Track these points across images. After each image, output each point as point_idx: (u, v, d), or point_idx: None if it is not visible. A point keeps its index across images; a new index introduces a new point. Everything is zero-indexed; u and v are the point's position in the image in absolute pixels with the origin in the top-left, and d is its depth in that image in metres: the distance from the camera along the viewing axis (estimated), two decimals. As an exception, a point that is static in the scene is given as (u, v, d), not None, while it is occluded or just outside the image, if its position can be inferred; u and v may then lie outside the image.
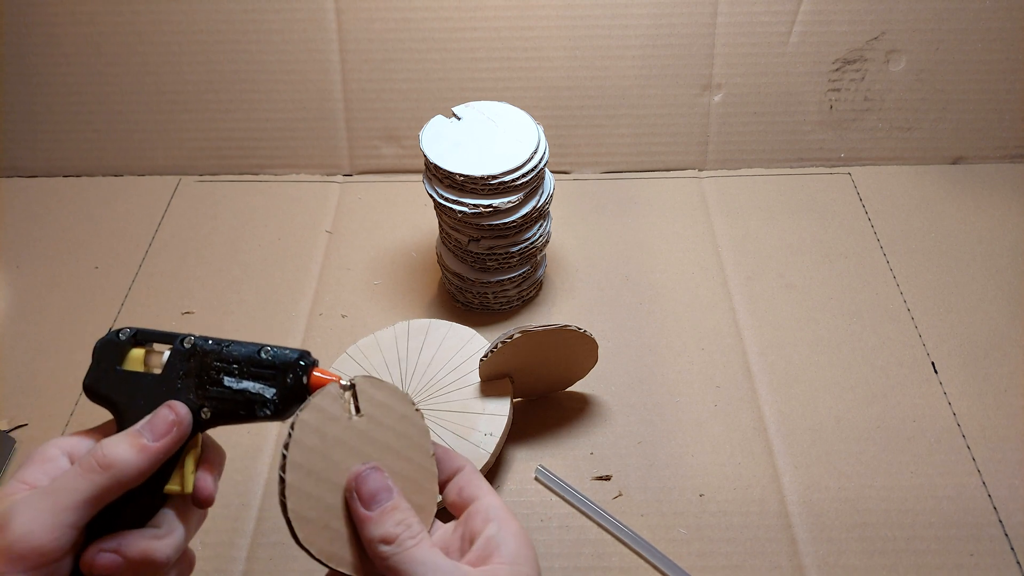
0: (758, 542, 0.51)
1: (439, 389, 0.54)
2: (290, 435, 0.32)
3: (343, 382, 0.34)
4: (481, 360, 0.51)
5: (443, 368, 0.56)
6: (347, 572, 0.33)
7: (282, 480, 0.32)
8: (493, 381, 0.54)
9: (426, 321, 0.59)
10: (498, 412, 0.52)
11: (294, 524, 0.32)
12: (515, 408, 0.54)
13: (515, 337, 0.49)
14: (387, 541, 0.31)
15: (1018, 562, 0.50)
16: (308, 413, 0.33)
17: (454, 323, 0.58)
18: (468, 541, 0.34)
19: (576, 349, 0.53)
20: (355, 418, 0.34)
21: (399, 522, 0.32)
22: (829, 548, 0.50)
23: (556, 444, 0.56)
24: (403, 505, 0.33)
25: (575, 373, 0.57)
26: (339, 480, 0.33)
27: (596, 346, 0.54)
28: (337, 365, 0.58)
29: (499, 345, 0.50)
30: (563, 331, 0.50)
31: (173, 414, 0.33)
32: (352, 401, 0.34)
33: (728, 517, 0.52)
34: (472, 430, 0.51)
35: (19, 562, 0.28)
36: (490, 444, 0.51)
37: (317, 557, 0.32)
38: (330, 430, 0.33)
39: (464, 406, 0.53)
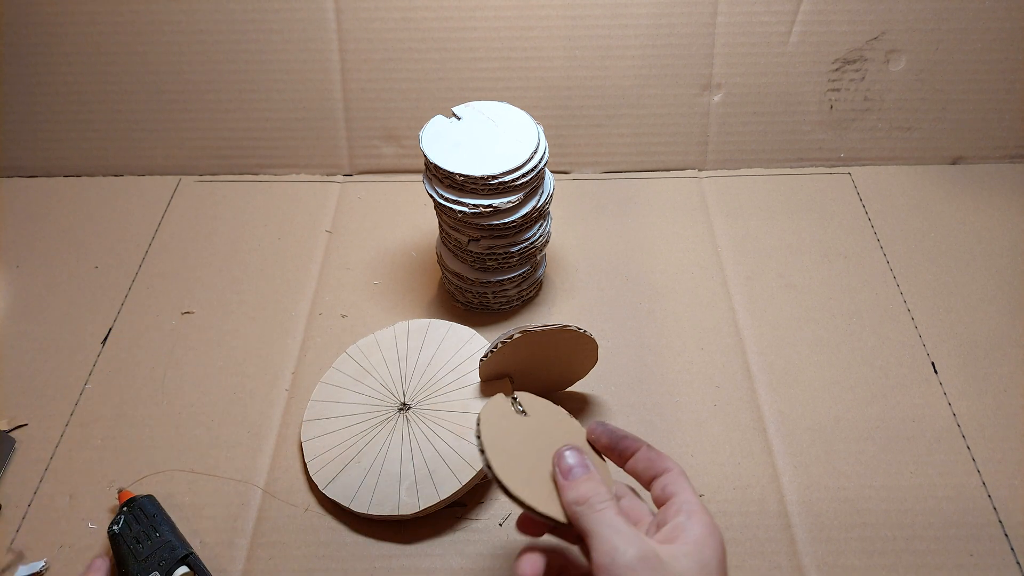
0: (758, 542, 0.51)
1: (439, 389, 0.54)
2: (478, 424, 0.39)
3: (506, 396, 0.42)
4: (481, 360, 0.52)
5: (443, 368, 0.56)
6: (554, 516, 0.38)
7: (482, 452, 0.38)
8: (493, 381, 0.54)
9: (426, 321, 0.59)
10: None
11: (504, 482, 0.37)
12: (515, 408, 0.54)
13: (515, 337, 0.49)
14: (579, 502, 0.37)
15: (1018, 562, 0.50)
16: (487, 410, 0.40)
17: (454, 323, 0.58)
18: (656, 527, 0.38)
19: (576, 349, 0.53)
20: (524, 417, 0.41)
21: (590, 489, 0.37)
22: (829, 548, 0.50)
23: (556, 444, 0.56)
24: (596, 477, 0.38)
25: (575, 373, 0.57)
26: (528, 454, 0.39)
27: (596, 346, 0.54)
28: (337, 365, 0.58)
29: (499, 345, 0.50)
30: (563, 331, 0.50)
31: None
32: (518, 406, 0.42)
33: (728, 517, 0.52)
34: (471, 430, 0.51)
35: None
36: None
37: (527, 503, 0.37)
38: (507, 423, 0.40)
39: (464, 406, 0.53)
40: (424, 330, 0.58)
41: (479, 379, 0.54)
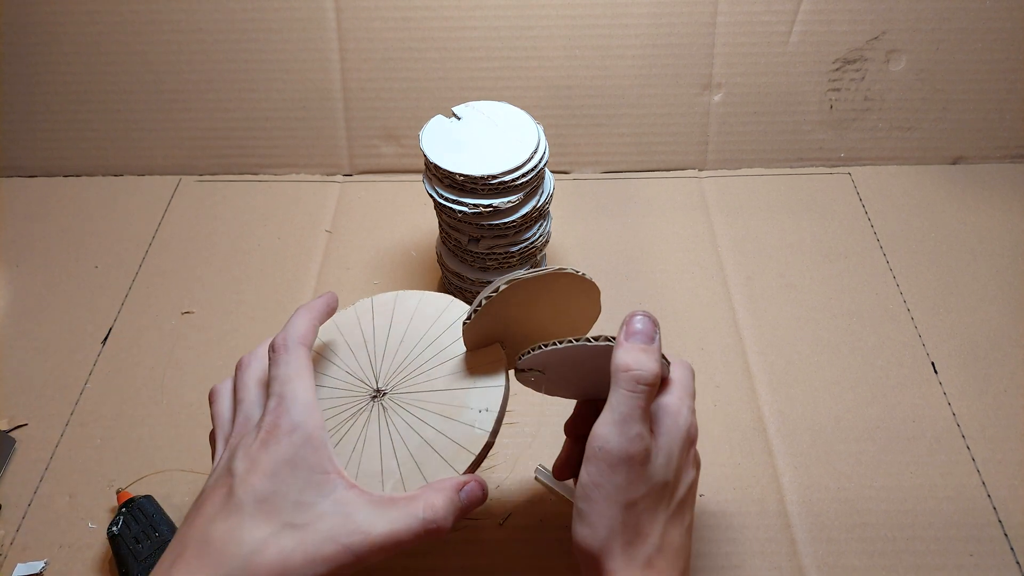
0: (758, 542, 0.51)
1: (417, 368, 0.46)
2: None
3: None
4: (464, 323, 0.43)
5: (419, 343, 0.47)
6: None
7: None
8: (481, 349, 0.45)
9: (392, 294, 0.50)
10: (492, 383, 0.44)
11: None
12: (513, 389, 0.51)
13: (502, 289, 0.41)
14: (621, 369, 0.37)
15: (1018, 563, 0.50)
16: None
17: (426, 292, 0.50)
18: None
19: (574, 299, 0.46)
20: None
21: (637, 362, 0.37)
22: (829, 548, 0.50)
23: (556, 444, 0.56)
24: (652, 351, 0.37)
25: (576, 328, 0.49)
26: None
27: (598, 292, 0.46)
28: None
29: (483, 302, 0.42)
30: (558, 276, 0.42)
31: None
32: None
33: (728, 517, 0.52)
34: (463, 408, 0.43)
35: None
36: (487, 421, 0.42)
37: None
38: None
39: (450, 382, 0.45)
40: (391, 304, 0.49)
41: (464, 349, 0.45)
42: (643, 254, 0.70)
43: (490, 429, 0.42)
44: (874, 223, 0.72)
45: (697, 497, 0.52)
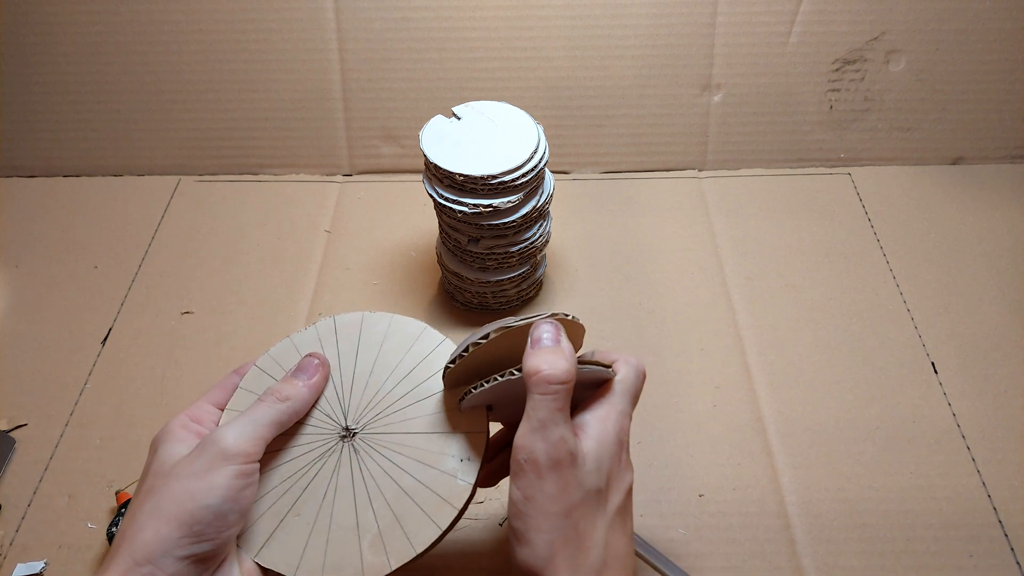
0: (757, 543, 0.51)
1: (390, 405, 0.42)
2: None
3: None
4: (447, 367, 0.40)
5: (390, 377, 0.43)
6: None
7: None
8: (460, 388, 0.42)
9: (357, 314, 0.45)
10: (473, 429, 0.40)
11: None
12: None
13: (491, 337, 0.38)
14: (530, 373, 0.35)
15: (1018, 563, 0.50)
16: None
17: (395, 315, 0.45)
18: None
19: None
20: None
21: (546, 360, 0.36)
22: (828, 549, 0.50)
23: (556, 444, 0.56)
24: (561, 352, 0.36)
25: None
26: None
27: (583, 332, 0.44)
28: (246, 385, 0.44)
29: (470, 348, 0.39)
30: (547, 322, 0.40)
31: (317, 359, 0.42)
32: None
33: (727, 518, 0.52)
34: (443, 456, 0.40)
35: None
36: (469, 472, 0.39)
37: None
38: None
39: (427, 424, 0.41)
40: (357, 327, 0.45)
41: (443, 387, 0.42)
42: (643, 254, 0.70)
43: (472, 480, 0.39)
44: (874, 223, 0.72)
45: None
